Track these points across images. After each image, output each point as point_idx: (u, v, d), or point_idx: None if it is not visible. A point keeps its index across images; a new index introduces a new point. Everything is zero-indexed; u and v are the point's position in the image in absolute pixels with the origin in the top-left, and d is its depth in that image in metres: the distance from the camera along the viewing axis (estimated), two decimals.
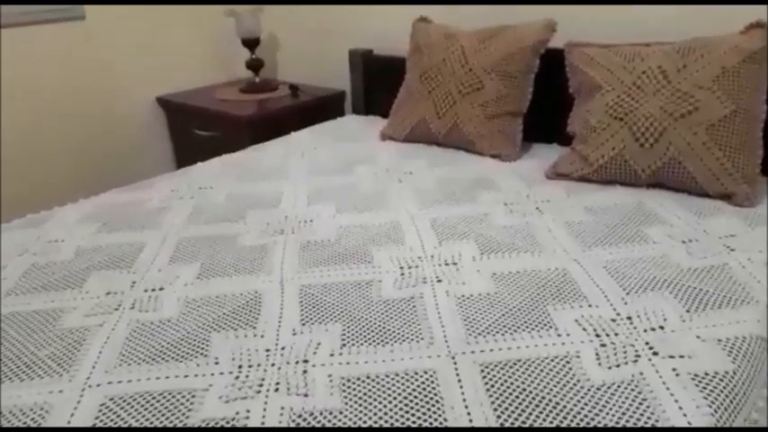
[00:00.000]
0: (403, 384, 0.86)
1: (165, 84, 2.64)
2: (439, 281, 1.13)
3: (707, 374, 0.86)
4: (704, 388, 0.83)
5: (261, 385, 0.87)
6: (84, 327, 1.04)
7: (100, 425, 0.82)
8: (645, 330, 0.96)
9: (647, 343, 0.93)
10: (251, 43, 2.51)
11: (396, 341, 0.96)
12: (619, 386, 0.84)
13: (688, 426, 0.77)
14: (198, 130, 2.43)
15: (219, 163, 1.85)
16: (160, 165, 2.69)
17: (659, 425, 0.78)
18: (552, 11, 1.80)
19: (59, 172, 2.39)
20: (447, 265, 1.19)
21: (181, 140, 2.66)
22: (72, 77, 2.36)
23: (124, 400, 0.86)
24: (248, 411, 0.82)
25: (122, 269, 1.23)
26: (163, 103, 2.63)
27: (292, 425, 0.80)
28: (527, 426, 0.78)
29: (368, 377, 0.88)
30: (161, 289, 1.15)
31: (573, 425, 0.78)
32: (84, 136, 2.44)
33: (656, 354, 0.91)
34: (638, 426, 0.78)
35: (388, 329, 1.00)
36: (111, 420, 0.82)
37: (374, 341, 0.97)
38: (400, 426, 0.79)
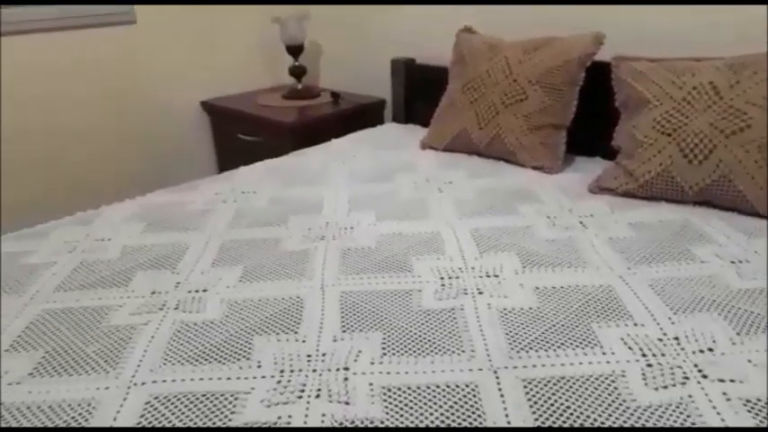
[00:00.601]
0: (444, 397, 0.86)
1: (209, 88, 2.69)
2: (480, 293, 1.12)
3: (759, 400, 0.83)
4: (757, 414, 0.81)
5: (302, 391, 0.88)
6: (129, 325, 1.06)
7: (145, 423, 0.83)
8: (693, 352, 0.94)
9: (695, 365, 0.91)
10: (294, 50, 2.55)
11: (436, 352, 0.96)
12: (666, 408, 0.82)
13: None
14: (241, 135, 2.47)
15: (262, 168, 1.88)
16: (203, 168, 2.74)
17: None
18: (598, 23, 1.78)
19: (106, 172, 2.46)
20: (488, 276, 1.18)
21: (224, 144, 2.71)
22: (121, 80, 2.42)
23: (168, 400, 0.87)
24: (290, 417, 0.83)
25: (167, 269, 1.26)
26: (207, 108, 2.68)
27: None
28: None
29: (408, 387, 0.88)
30: (204, 290, 1.17)
31: None
32: (130, 138, 2.51)
33: (705, 376, 0.88)
34: None
35: (429, 340, 0.99)
36: (156, 419, 0.84)
37: (415, 351, 0.97)
38: None
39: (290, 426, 0.81)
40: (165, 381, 0.91)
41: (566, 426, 0.80)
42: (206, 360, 0.96)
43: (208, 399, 0.87)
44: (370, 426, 0.81)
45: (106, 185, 2.45)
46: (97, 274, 1.25)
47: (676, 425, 0.79)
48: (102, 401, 0.88)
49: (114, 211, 1.57)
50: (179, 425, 0.82)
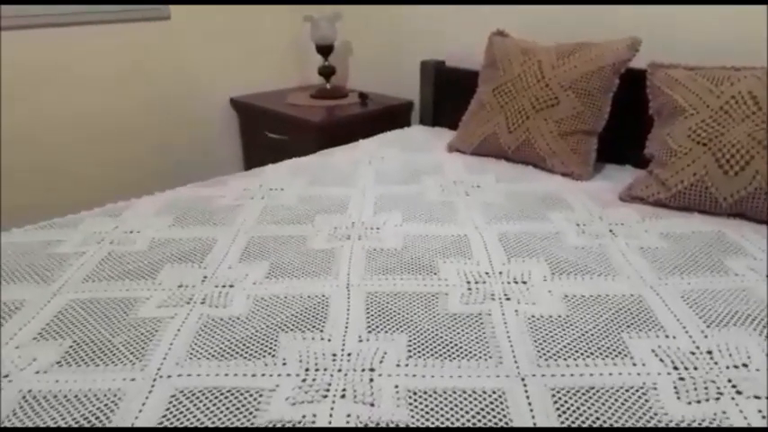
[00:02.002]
0: (471, 402, 0.85)
1: (239, 85, 2.71)
2: (507, 299, 1.11)
3: None
4: None
5: (327, 390, 0.87)
6: (156, 317, 1.07)
7: (170, 416, 0.83)
8: (727, 367, 0.91)
9: (729, 380, 0.88)
10: (325, 50, 2.55)
11: (463, 357, 0.95)
12: (700, 423, 0.80)
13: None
14: (268, 133, 2.48)
15: (290, 166, 1.88)
16: (230, 164, 2.76)
17: None
18: (638, 29, 1.75)
19: (136, 166, 2.49)
20: (516, 283, 1.17)
21: (251, 142, 2.72)
22: (152, 76, 2.45)
23: (193, 394, 0.87)
24: (314, 416, 0.82)
25: (194, 263, 1.26)
26: (236, 105, 2.70)
27: None
28: None
29: (435, 391, 0.87)
30: (231, 286, 1.17)
31: None
32: (161, 133, 2.54)
33: (739, 393, 0.86)
34: None
35: (455, 344, 0.98)
36: (181, 413, 0.84)
37: (441, 355, 0.95)
38: None
39: (314, 425, 0.81)
40: (190, 375, 0.91)
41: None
42: (231, 356, 0.96)
43: (233, 395, 0.87)
44: (393, 428, 0.80)
45: (136, 179, 2.48)
46: (125, 266, 1.26)
47: None
48: (127, 393, 0.88)
49: (143, 204, 1.58)
50: (204, 420, 0.82)
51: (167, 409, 0.84)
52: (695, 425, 0.80)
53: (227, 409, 0.84)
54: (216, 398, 0.86)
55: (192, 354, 0.97)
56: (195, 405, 0.85)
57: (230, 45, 2.65)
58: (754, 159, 1.37)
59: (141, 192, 1.70)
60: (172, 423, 0.82)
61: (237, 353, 0.97)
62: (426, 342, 0.99)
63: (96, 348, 0.99)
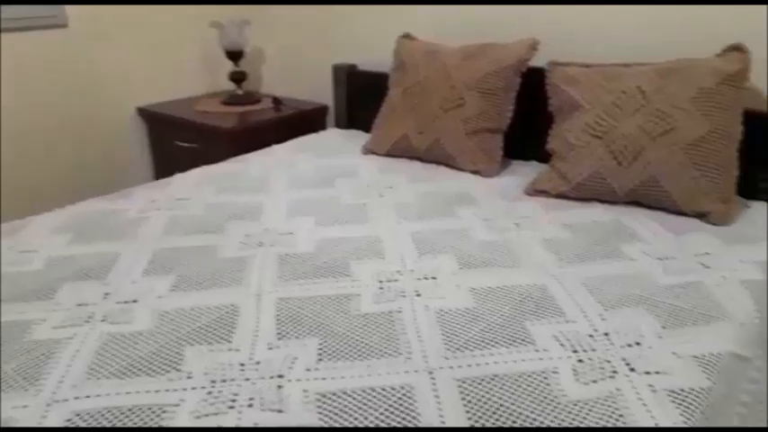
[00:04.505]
0: (380, 400, 0.85)
1: (146, 94, 2.61)
2: (418, 295, 1.13)
3: (682, 390, 0.86)
4: (680, 404, 0.84)
5: (234, 401, 0.85)
6: (52, 339, 1.01)
7: None
8: (622, 346, 0.96)
9: (623, 359, 0.93)
10: (235, 55, 2.51)
11: (373, 356, 0.95)
12: (596, 402, 0.84)
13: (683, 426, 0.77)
14: (178, 142, 2.41)
15: (199, 174, 1.84)
16: (139, 176, 2.65)
17: None
18: (538, 30, 1.82)
19: (36, 181, 2.35)
20: (426, 279, 1.19)
21: (161, 151, 2.63)
22: (52, 86, 2.33)
23: (91, 416, 0.83)
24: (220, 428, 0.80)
25: (95, 280, 1.21)
26: (143, 114, 2.60)
27: None
28: None
29: (344, 393, 0.87)
30: (134, 301, 1.13)
31: None
32: (63, 145, 2.41)
33: (632, 370, 0.91)
34: None
35: (366, 344, 0.98)
36: None
37: (351, 356, 0.96)
38: None
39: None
40: (88, 396, 0.87)
41: (498, 423, 0.81)
42: (134, 373, 0.92)
43: (134, 413, 0.84)
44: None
45: (37, 194, 2.34)
46: (20, 288, 1.19)
47: (605, 418, 0.81)
48: (20, 421, 0.83)
49: (42, 221, 1.50)
50: None
51: None
52: (592, 404, 0.84)
53: (128, 428, 0.81)
54: (116, 417, 0.83)
55: (91, 374, 0.92)
56: (93, 427, 0.81)
57: (134, 53, 2.54)
58: (645, 150, 1.46)
59: (44, 209, 1.60)
60: None
61: (140, 370, 0.93)
62: (337, 344, 0.99)
63: None
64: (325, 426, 0.81)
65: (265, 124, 2.36)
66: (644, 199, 1.49)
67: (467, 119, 1.78)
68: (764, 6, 1.53)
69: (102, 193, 1.72)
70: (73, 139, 2.43)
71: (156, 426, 0.81)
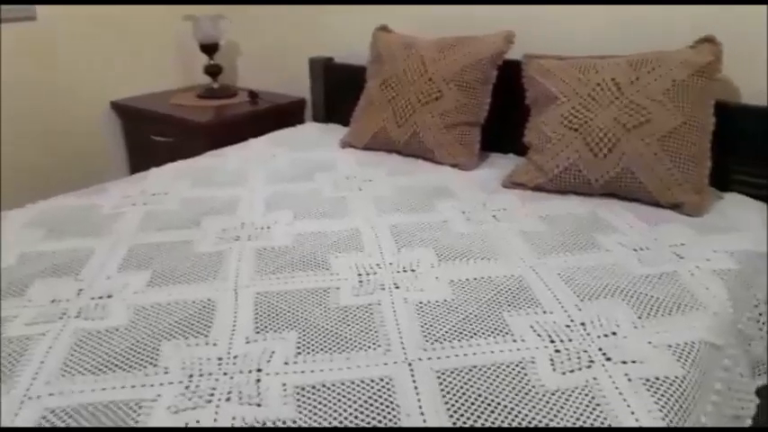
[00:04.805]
0: (359, 392, 0.85)
1: (120, 88, 2.57)
2: (397, 287, 1.13)
3: (657, 379, 0.87)
4: (655, 392, 0.85)
5: (212, 395, 0.85)
6: (25, 336, 0.99)
7: None
8: (598, 336, 0.97)
9: (600, 349, 0.94)
10: (209, 48, 2.48)
11: (352, 348, 0.95)
12: (573, 391, 0.85)
13: (670, 426, 0.79)
14: (154, 136, 2.38)
15: (174, 169, 1.81)
16: (114, 171, 2.61)
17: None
18: (513, 24, 1.83)
19: (7, 176, 2.30)
20: (405, 271, 1.19)
21: (136, 146, 2.59)
22: (23, 80, 2.28)
23: (66, 413, 0.82)
24: (198, 422, 0.80)
25: (69, 276, 1.19)
26: (118, 108, 2.56)
27: None
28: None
29: (323, 385, 0.87)
30: (109, 296, 1.11)
31: None
32: (36, 141, 2.36)
33: (609, 359, 0.92)
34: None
35: (345, 337, 0.98)
36: None
37: (330, 349, 0.95)
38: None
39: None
40: (62, 393, 0.86)
41: (477, 413, 0.81)
42: (109, 369, 0.91)
43: (110, 409, 0.83)
44: (281, 426, 0.79)
45: (8, 190, 2.29)
46: None
47: (582, 407, 0.82)
48: None
49: (13, 217, 1.47)
50: None
51: None
52: (569, 393, 0.85)
53: (103, 424, 0.80)
54: (91, 414, 0.82)
55: (65, 371, 0.91)
56: (67, 424, 0.80)
57: (106, 47, 2.50)
58: (620, 142, 1.47)
59: (15, 204, 1.57)
60: None
61: (116, 365, 0.92)
62: (316, 337, 0.98)
63: None
64: (305, 423, 0.80)
65: (242, 118, 2.34)
66: (619, 190, 1.51)
67: (444, 112, 1.78)
68: (764, 6, 1.52)
69: (76, 188, 1.69)
70: (45, 135, 2.38)
71: (133, 423, 0.80)
